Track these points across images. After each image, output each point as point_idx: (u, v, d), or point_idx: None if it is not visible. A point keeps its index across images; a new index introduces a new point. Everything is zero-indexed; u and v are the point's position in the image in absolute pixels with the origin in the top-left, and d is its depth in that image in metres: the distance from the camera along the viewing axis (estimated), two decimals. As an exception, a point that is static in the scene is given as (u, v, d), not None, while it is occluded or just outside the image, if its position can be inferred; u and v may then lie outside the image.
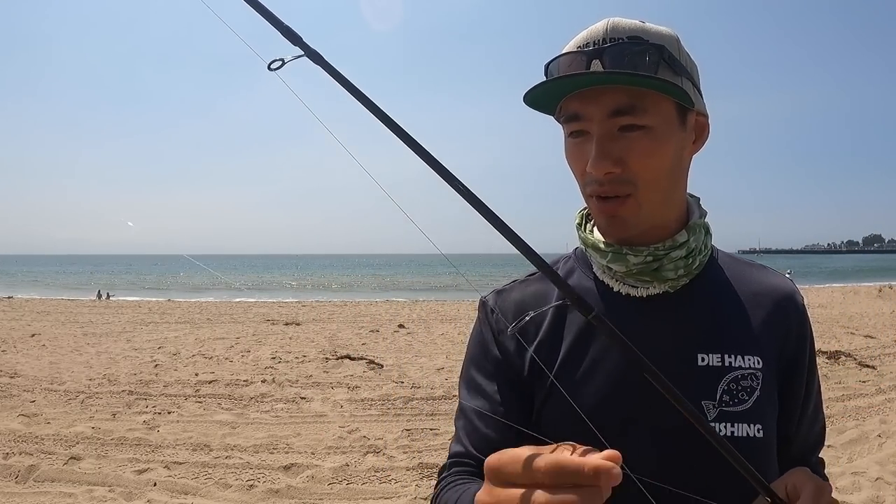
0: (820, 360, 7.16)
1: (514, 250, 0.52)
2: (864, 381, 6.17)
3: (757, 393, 0.73)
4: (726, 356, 0.74)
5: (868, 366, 6.86)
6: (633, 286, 0.78)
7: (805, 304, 0.85)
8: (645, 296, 0.78)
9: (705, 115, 0.78)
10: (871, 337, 9.09)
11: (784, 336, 0.79)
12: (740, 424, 0.72)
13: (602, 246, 0.78)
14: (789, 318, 0.81)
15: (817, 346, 8.01)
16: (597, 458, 0.41)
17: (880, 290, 20.44)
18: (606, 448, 0.72)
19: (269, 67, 0.61)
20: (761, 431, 0.72)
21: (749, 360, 0.74)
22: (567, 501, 0.39)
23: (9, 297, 20.28)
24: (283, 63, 0.62)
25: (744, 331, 0.77)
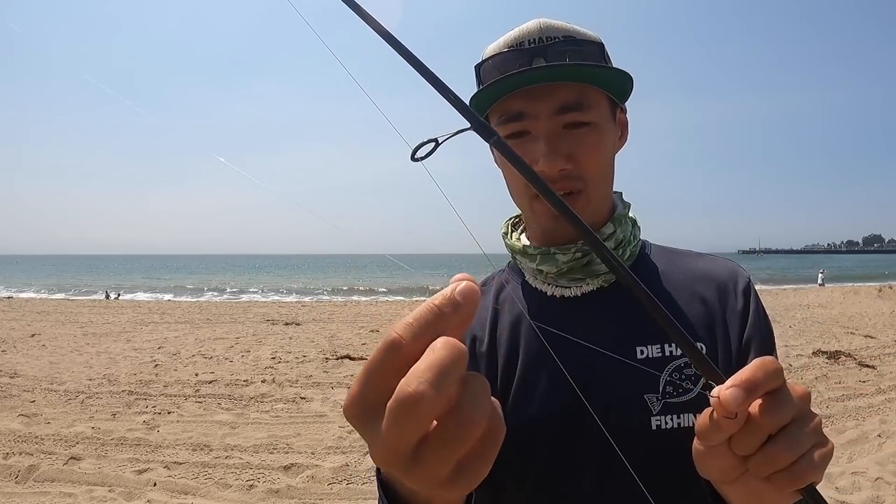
0: (820, 360, 7.16)
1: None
2: (864, 381, 6.16)
3: (703, 380, 0.68)
4: (667, 346, 0.72)
5: (868, 366, 6.86)
6: (565, 287, 0.78)
7: (750, 282, 0.81)
8: (579, 294, 0.77)
9: (626, 113, 0.81)
10: (871, 337, 9.08)
11: (727, 317, 0.76)
12: (686, 415, 0.69)
13: (530, 250, 0.78)
14: (730, 298, 0.78)
15: (817, 346, 8.03)
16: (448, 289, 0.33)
17: (880, 290, 20.42)
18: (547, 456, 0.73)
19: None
20: None
21: None
22: (435, 359, 0.30)
23: (9, 297, 20.27)
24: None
25: (683, 318, 0.74)
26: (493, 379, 0.77)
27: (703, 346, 0.72)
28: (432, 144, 0.43)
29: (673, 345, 0.71)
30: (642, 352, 0.72)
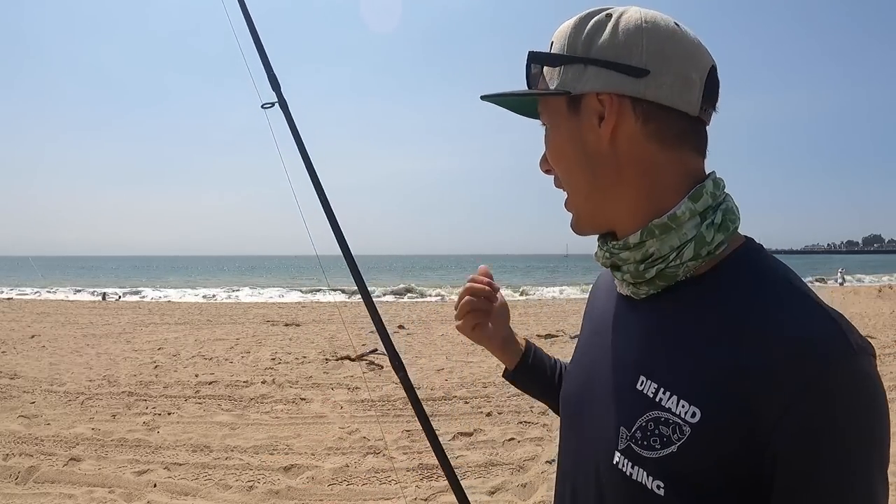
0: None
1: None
2: (863, 382, 6.16)
3: (673, 448, 0.58)
4: (661, 390, 0.62)
5: (868, 366, 6.86)
6: (617, 281, 0.74)
7: (841, 378, 0.52)
8: (624, 294, 0.73)
9: (610, 93, 0.65)
10: (871, 337, 9.08)
11: (752, 404, 0.55)
12: (640, 470, 0.61)
13: (598, 236, 0.78)
14: (772, 389, 0.54)
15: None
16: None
17: (880, 291, 20.44)
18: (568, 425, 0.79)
19: (262, 106, 0.86)
20: (662, 490, 0.59)
21: (683, 407, 0.59)
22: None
23: (9, 299, 20.28)
24: (272, 106, 0.87)
25: (696, 371, 0.60)
26: (580, 336, 0.86)
27: (699, 413, 0.58)
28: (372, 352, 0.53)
29: (667, 392, 0.61)
30: (642, 382, 0.64)
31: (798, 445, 0.53)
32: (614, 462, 0.64)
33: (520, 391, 1.05)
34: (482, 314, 0.93)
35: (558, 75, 0.69)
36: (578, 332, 0.90)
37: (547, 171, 0.76)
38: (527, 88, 0.74)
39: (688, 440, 0.58)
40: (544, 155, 0.75)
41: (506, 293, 25.71)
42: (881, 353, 7.73)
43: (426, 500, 3.59)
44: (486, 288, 0.94)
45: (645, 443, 0.61)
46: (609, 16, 0.67)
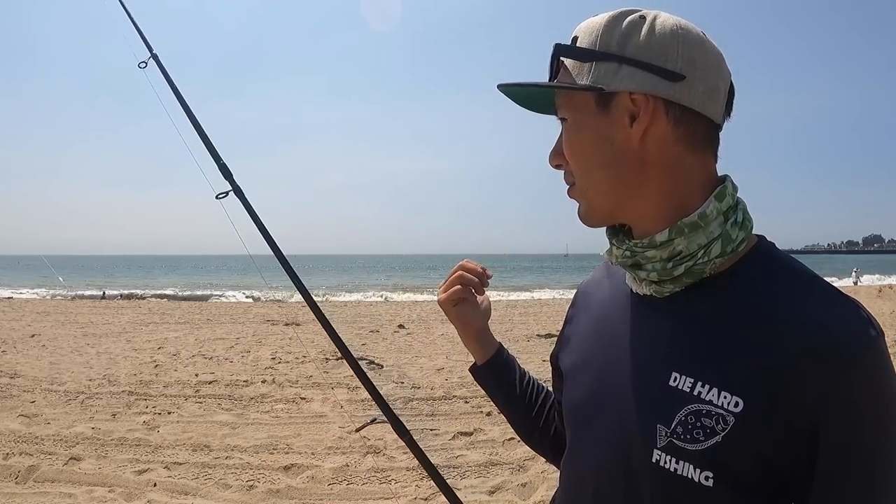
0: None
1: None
2: (864, 382, 6.16)
3: (718, 438, 0.61)
4: (699, 384, 0.63)
5: (868, 366, 6.85)
6: (634, 281, 0.74)
7: (859, 360, 0.58)
8: (642, 294, 0.73)
9: (644, 94, 0.66)
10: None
11: (792, 392, 0.59)
12: (686, 464, 0.63)
13: (607, 232, 0.77)
14: (813, 374, 0.58)
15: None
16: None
17: (880, 291, 20.46)
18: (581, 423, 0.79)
19: (216, 197, 1.13)
20: (710, 480, 0.61)
21: (725, 398, 0.61)
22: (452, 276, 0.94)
23: (9, 298, 20.28)
24: (226, 195, 1.06)
25: (735, 363, 0.62)
26: (576, 341, 0.85)
27: (741, 402, 0.61)
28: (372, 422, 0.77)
29: (706, 385, 0.63)
30: (675, 378, 0.65)
31: (841, 424, 0.58)
32: (653, 460, 0.65)
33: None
34: (468, 292, 0.94)
35: (589, 71, 0.68)
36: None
37: (557, 166, 0.75)
38: (547, 81, 0.72)
39: (732, 429, 0.60)
40: (556, 149, 0.74)
41: (505, 293, 25.80)
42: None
43: (426, 499, 3.60)
44: (479, 270, 0.95)
45: (688, 436, 0.63)
46: (643, 17, 0.68)
